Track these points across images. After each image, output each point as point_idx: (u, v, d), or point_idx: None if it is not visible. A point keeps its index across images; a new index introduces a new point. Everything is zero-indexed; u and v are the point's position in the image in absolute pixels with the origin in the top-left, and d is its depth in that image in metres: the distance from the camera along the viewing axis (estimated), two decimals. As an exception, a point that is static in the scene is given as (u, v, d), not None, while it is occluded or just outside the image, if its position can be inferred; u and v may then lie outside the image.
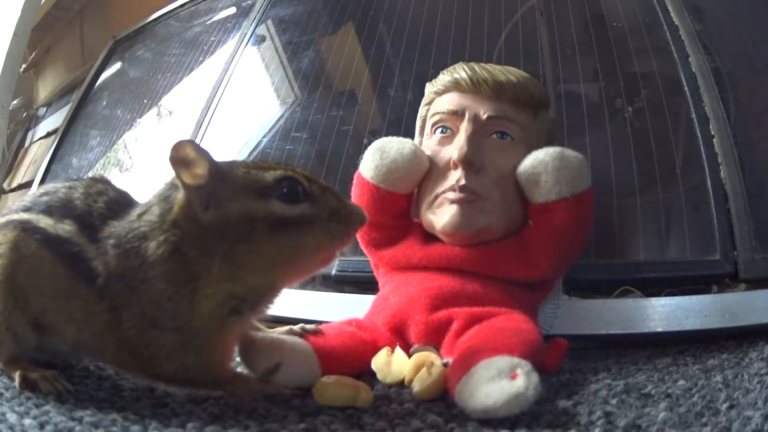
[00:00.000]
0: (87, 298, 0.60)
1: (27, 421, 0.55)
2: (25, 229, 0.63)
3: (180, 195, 0.60)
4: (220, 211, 0.59)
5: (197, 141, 1.53)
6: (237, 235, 0.58)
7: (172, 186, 0.62)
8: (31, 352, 0.67)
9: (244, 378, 0.66)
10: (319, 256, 0.63)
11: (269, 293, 0.64)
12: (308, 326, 0.75)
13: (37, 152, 2.51)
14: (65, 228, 0.62)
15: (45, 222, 0.63)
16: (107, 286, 0.59)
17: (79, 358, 0.73)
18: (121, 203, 0.65)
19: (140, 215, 0.61)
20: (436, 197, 0.89)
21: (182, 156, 0.57)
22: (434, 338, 0.78)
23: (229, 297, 0.60)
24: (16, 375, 0.64)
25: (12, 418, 0.55)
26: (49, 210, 0.64)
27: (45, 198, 0.66)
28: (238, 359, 0.83)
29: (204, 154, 0.58)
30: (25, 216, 0.65)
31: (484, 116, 0.90)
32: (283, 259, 0.61)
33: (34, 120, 2.86)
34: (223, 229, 0.58)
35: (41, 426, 0.55)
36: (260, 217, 0.59)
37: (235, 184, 0.60)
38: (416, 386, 0.66)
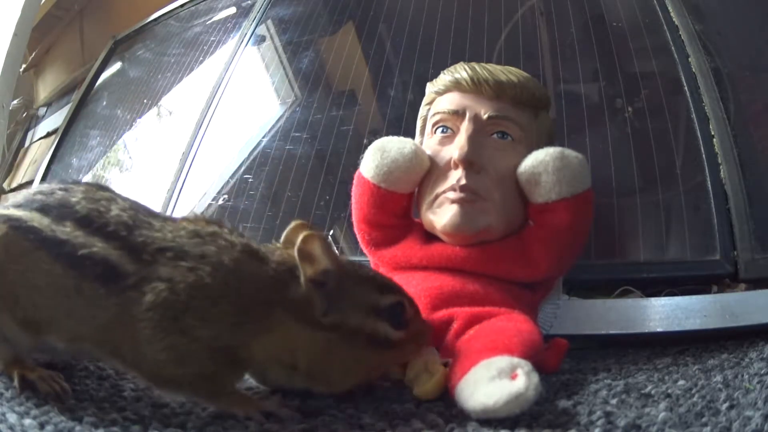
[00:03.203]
0: (93, 295, 0.59)
1: (27, 421, 0.55)
2: (15, 227, 0.61)
3: (302, 288, 0.61)
4: (340, 318, 0.62)
5: (197, 141, 1.53)
6: (340, 339, 0.62)
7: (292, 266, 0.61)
8: (28, 352, 0.66)
9: (243, 395, 0.64)
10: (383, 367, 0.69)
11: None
12: None
13: (37, 152, 2.51)
14: (64, 230, 0.60)
15: (39, 222, 0.61)
16: (134, 288, 0.58)
17: (78, 358, 0.73)
18: (142, 212, 0.64)
19: (235, 247, 0.61)
20: (437, 197, 0.89)
21: (309, 251, 0.60)
22: (434, 338, 0.78)
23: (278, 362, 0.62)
24: (15, 375, 0.64)
25: (12, 418, 0.55)
26: (45, 209, 0.62)
27: (39, 197, 0.64)
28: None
29: (330, 254, 0.60)
30: (16, 213, 0.62)
31: (485, 116, 0.90)
32: (361, 368, 0.65)
33: (34, 120, 2.86)
34: (333, 329, 0.61)
35: (41, 426, 0.55)
36: (368, 333, 0.63)
37: (354, 297, 0.63)
38: (416, 386, 0.66)
